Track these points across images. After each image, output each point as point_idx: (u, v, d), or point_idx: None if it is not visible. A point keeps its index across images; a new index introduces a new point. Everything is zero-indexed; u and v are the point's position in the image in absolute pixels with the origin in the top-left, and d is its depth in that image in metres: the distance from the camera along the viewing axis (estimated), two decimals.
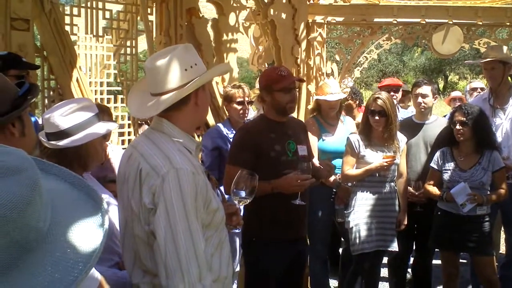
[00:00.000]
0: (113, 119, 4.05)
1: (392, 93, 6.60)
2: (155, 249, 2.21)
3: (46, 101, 5.38)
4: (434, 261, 5.69)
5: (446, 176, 4.83)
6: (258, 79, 4.24)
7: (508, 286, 5.12)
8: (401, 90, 7.25)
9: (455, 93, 8.56)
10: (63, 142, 2.68)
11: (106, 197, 2.88)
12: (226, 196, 4.02)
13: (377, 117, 4.72)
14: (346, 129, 5.42)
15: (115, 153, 4.02)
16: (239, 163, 3.65)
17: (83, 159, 2.77)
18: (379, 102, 4.72)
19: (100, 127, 2.82)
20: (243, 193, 2.95)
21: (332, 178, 5.14)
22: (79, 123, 2.73)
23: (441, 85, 36.91)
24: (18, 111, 2.06)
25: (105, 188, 3.26)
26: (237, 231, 3.47)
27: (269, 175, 3.73)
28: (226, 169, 3.89)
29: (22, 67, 4.12)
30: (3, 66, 3.86)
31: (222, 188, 4.53)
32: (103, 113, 3.06)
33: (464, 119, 4.68)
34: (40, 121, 4.52)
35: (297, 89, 4.19)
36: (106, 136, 3.14)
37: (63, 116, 2.71)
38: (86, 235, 1.26)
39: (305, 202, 3.92)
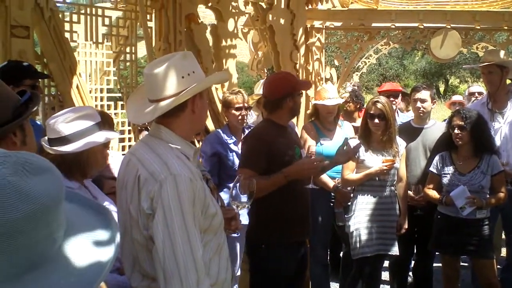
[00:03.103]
0: (114, 128, 4.09)
1: (391, 99, 6.59)
2: (154, 254, 2.23)
3: (47, 108, 5.39)
4: (435, 264, 5.70)
5: (445, 180, 4.84)
6: (270, 85, 4.13)
7: None
8: (400, 95, 7.25)
9: (456, 97, 8.54)
10: (63, 148, 2.71)
11: (107, 204, 2.91)
12: (225, 201, 4.05)
13: (376, 121, 4.73)
14: (344, 133, 5.44)
15: (114, 159, 4.04)
16: (253, 167, 3.73)
17: (82, 166, 2.81)
18: (379, 105, 4.74)
19: (100, 136, 2.86)
20: (242, 198, 2.97)
21: (331, 184, 5.16)
22: (80, 131, 2.77)
23: (441, 89, 36.94)
24: (19, 120, 2.04)
25: (106, 183, 3.28)
26: (235, 235, 3.48)
27: None
28: (239, 173, 3.88)
29: (34, 77, 4.17)
30: (19, 76, 3.91)
31: (224, 193, 4.58)
32: (104, 122, 3.09)
33: (462, 123, 4.70)
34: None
35: None
36: (107, 145, 3.16)
37: (65, 123, 2.75)
38: (97, 249, 1.28)
39: (318, 187, 3.96)
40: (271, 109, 4.05)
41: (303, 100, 5.94)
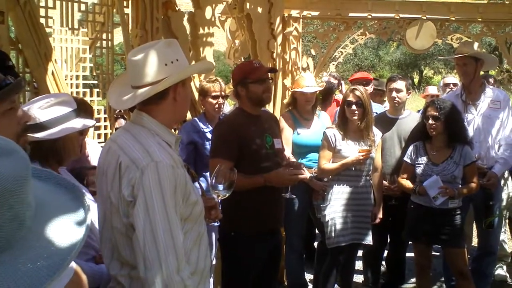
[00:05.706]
0: (93, 117, 4.03)
1: None
2: (134, 241, 2.22)
3: (21, 94, 5.31)
4: (408, 254, 5.79)
5: (419, 170, 4.91)
6: (231, 75, 4.24)
7: (479, 279, 5.21)
8: (372, 84, 7.29)
9: (431, 90, 8.56)
10: (40, 135, 2.68)
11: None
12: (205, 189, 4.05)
13: (354, 107, 4.77)
14: (322, 123, 5.47)
15: (90, 146, 4.01)
16: (224, 156, 3.69)
17: (58, 153, 2.78)
18: (357, 93, 4.78)
19: (77, 123, 2.84)
20: (222, 187, 2.98)
21: (308, 175, 5.19)
22: (57, 117, 2.75)
23: (416, 80, 37.29)
24: None
25: (89, 175, 3.26)
26: (216, 224, 3.49)
27: (250, 168, 3.78)
28: (210, 163, 3.87)
29: None
30: None
31: (201, 182, 4.57)
32: (82, 109, 3.06)
33: (437, 114, 4.76)
34: None
35: (271, 80, 4.20)
36: (83, 132, 3.14)
37: (41, 109, 2.72)
38: (68, 230, 1.27)
39: (295, 196, 3.95)
40: (236, 97, 4.11)
41: (280, 89, 5.98)
